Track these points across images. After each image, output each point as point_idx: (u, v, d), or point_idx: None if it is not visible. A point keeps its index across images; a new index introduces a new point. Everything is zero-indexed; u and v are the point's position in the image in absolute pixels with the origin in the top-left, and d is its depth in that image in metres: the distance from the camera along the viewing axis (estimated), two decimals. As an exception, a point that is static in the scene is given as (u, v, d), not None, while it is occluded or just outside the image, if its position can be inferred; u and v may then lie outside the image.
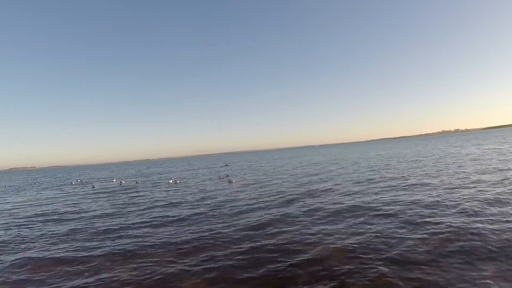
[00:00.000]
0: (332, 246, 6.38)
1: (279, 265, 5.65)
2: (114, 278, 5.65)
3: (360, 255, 5.75)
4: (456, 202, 9.27)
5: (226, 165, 54.93)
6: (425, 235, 6.50)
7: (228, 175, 28.06)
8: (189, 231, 8.54)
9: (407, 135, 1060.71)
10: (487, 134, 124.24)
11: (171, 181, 26.40)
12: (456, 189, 11.40)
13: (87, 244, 8.13)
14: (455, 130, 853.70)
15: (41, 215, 13.48)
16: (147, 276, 5.60)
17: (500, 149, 30.10)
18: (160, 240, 7.85)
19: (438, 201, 9.61)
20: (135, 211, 12.64)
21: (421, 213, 8.36)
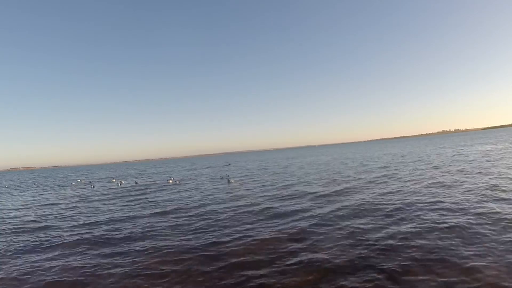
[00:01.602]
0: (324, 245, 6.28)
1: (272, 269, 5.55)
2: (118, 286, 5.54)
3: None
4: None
5: (229, 164, 55.80)
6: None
7: (228, 175, 27.96)
8: (185, 232, 8.44)
9: (407, 135, 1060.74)
10: (487, 134, 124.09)
11: (170, 181, 26.29)
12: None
13: (85, 249, 8.02)
14: (455, 130, 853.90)
15: (39, 217, 13.36)
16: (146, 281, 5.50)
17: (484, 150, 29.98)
18: (157, 242, 7.75)
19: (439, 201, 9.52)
20: (133, 211, 12.53)
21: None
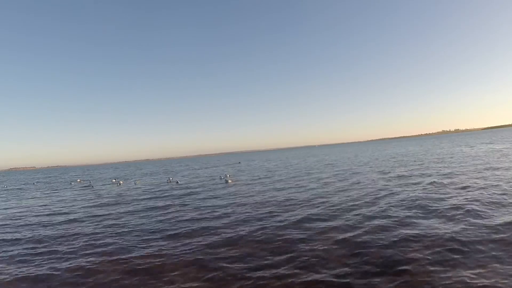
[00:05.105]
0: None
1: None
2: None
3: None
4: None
5: (239, 162, 61.81)
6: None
7: (227, 175, 27.57)
8: (177, 234, 8.02)
9: (407, 135, 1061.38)
10: (489, 134, 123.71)
11: (169, 181, 25.94)
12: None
13: (83, 254, 7.59)
14: (455, 130, 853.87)
15: (34, 219, 12.95)
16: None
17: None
18: (153, 241, 7.32)
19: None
20: (131, 212, 12.11)
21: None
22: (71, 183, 35.07)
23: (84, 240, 8.47)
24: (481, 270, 4.76)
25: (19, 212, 14.70)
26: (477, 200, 9.29)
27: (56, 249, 7.77)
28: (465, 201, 9.36)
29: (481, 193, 10.25)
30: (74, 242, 8.37)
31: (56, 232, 9.77)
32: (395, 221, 7.83)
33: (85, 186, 28.72)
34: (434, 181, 13.64)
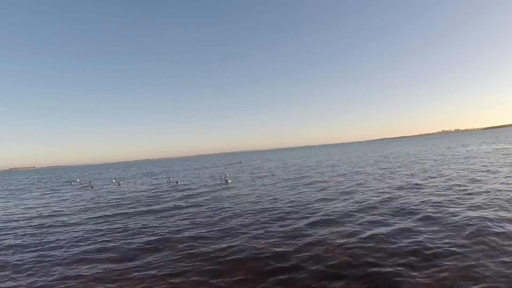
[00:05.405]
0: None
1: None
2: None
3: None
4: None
5: (240, 162, 63.96)
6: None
7: (227, 175, 27.46)
8: (173, 234, 7.90)
9: (407, 135, 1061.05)
10: (489, 134, 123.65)
11: (169, 181, 25.83)
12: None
13: (87, 258, 7.47)
14: (455, 130, 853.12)
15: (35, 220, 12.83)
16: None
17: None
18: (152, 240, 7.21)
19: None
20: (132, 213, 11.99)
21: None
22: (71, 183, 34.96)
23: (87, 242, 8.35)
24: (485, 261, 4.83)
25: (20, 213, 14.60)
26: (479, 199, 9.18)
27: (59, 253, 7.64)
28: (467, 201, 9.26)
29: (484, 192, 10.15)
30: (77, 245, 8.25)
31: (58, 234, 9.66)
32: (398, 222, 7.73)
33: (85, 186, 28.60)
34: (437, 182, 13.53)
